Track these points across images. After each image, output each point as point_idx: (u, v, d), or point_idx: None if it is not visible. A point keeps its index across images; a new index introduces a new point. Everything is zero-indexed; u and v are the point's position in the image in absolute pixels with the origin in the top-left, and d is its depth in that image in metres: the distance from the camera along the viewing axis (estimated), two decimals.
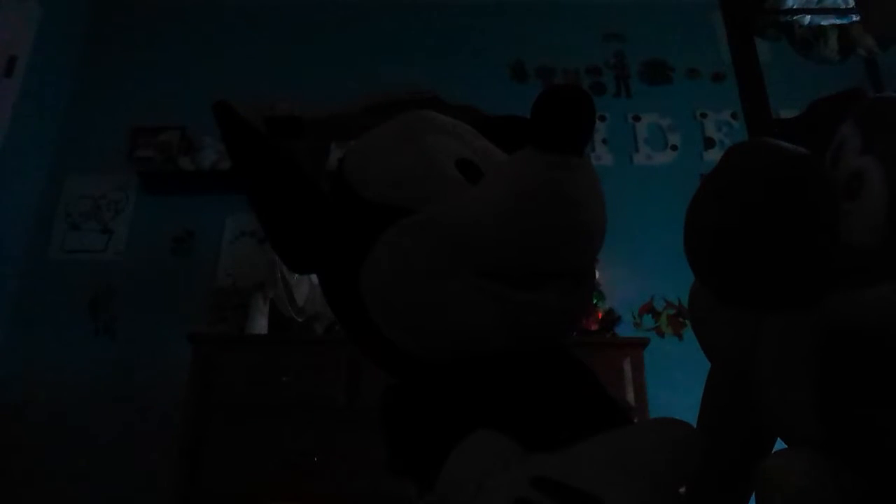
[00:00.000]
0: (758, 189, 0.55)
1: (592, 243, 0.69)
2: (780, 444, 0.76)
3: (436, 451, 0.59)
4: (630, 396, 2.12)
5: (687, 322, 2.65)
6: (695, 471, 0.57)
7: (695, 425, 0.83)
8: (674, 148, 3.02)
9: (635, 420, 0.80)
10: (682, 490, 0.70)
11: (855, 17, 1.69)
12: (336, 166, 0.78)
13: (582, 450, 0.56)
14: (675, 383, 2.39)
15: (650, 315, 2.70)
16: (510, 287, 0.65)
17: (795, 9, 1.68)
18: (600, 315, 2.55)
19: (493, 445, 0.58)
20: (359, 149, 0.77)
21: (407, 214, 0.67)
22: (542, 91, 0.61)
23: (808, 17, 1.70)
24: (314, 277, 2.51)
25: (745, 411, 0.73)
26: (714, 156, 3.00)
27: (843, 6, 1.67)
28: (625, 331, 2.56)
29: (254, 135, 0.75)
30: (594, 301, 2.57)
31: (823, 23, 1.71)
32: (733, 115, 3.01)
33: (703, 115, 3.08)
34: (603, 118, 3.07)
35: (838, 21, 1.71)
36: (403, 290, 0.66)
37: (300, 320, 2.38)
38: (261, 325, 2.36)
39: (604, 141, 3.03)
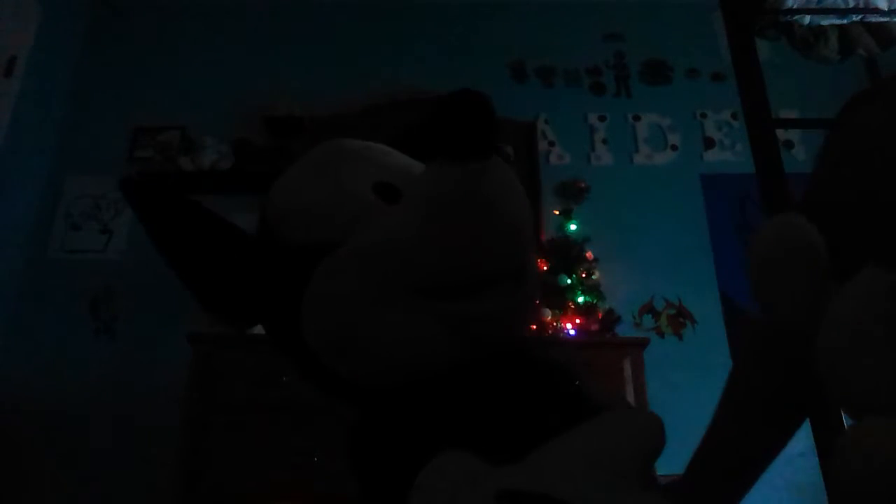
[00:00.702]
0: None
1: (520, 241, 0.69)
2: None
3: (404, 479, 0.59)
4: (630, 396, 2.12)
5: (687, 322, 2.65)
6: (657, 459, 0.57)
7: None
8: (674, 148, 3.03)
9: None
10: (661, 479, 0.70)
11: (855, 17, 1.70)
12: (259, 214, 0.78)
13: (547, 453, 0.56)
14: (675, 383, 2.40)
15: (650, 315, 2.70)
16: (447, 300, 0.64)
17: (795, 9, 1.68)
18: (600, 315, 2.55)
19: (459, 465, 0.58)
20: (276, 194, 0.76)
21: (334, 249, 0.66)
22: (438, 100, 0.61)
23: (808, 17, 1.70)
24: None
25: (775, 388, 0.72)
26: (714, 156, 3.01)
27: (842, 6, 1.67)
28: (625, 331, 2.56)
29: (167, 196, 0.74)
30: (596, 301, 2.58)
31: (823, 23, 1.71)
32: (733, 115, 3.01)
33: (703, 115, 3.08)
34: (603, 118, 3.07)
35: (838, 21, 1.71)
36: (342, 325, 0.66)
37: None
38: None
39: (604, 141, 3.03)
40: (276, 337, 0.75)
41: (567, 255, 2.64)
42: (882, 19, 1.70)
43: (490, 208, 0.63)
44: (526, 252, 0.70)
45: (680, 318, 2.67)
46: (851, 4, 1.66)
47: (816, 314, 0.57)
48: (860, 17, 1.69)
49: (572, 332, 2.47)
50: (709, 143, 3.03)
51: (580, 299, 2.57)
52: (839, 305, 0.55)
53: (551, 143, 2.99)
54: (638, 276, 2.71)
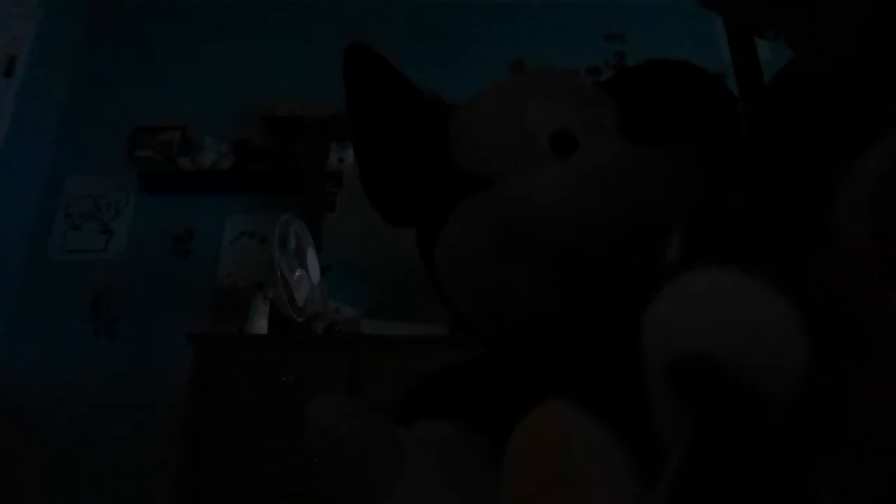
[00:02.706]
0: None
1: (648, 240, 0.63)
2: None
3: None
4: None
5: None
6: None
7: None
8: None
9: None
10: None
11: None
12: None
13: None
14: None
15: None
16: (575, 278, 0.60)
17: None
18: None
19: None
20: (467, 107, 0.72)
21: (486, 187, 0.63)
22: (652, 65, 0.57)
23: None
24: (314, 277, 2.51)
25: None
26: None
27: None
28: None
29: (392, 76, 0.73)
30: None
31: None
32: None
33: None
34: None
35: None
36: (466, 272, 0.63)
37: (300, 320, 2.38)
38: (261, 325, 2.36)
39: None
40: (419, 247, 0.72)
41: None
42: None
43: (645, 199, 0.57)
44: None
45: None
46: None
47: None
48: None
49: None
50: None
51: None
52: None
53: None
54: None
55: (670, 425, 0.44)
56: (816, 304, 0.41)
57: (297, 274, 2.38)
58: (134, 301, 2.68)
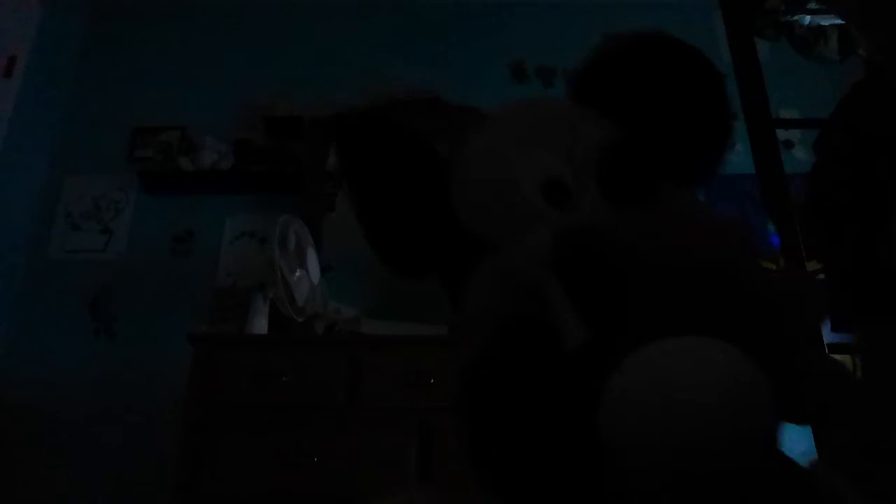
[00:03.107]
0: None
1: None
2: None
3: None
4: None
5: None
6: None
7: None
8: None
9: None
10: None
11: None
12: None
13: None
14: None
15: None
16: None
17: (796, 8, 1.68)
18: None
19: None
20: (460, 159, 0.72)
21: (492, 250, 0.65)
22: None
23: (808, 17, 1.71)
24: (314, 277, 2.51)
25: None
26: None
27: None
28: None
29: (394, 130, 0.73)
30: None
31: (823, 23, 1.72)
32: (733, 116, 3.01)
33: None
34: None
35: (838, 21, 1.71)
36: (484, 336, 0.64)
37: (300, 320, 2.38)
38: (261, 325, 2.36)
39: None
40: (447, 296, 0.74)
41: None
42: None
43: (633, 257, 0.56)
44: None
45: None
46: None
47: None
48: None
49: None
50: None
51: None
52: None
53: None
54: None
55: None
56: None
57: (297, 274, 2.38)
58: (134, 301, 2.68)
